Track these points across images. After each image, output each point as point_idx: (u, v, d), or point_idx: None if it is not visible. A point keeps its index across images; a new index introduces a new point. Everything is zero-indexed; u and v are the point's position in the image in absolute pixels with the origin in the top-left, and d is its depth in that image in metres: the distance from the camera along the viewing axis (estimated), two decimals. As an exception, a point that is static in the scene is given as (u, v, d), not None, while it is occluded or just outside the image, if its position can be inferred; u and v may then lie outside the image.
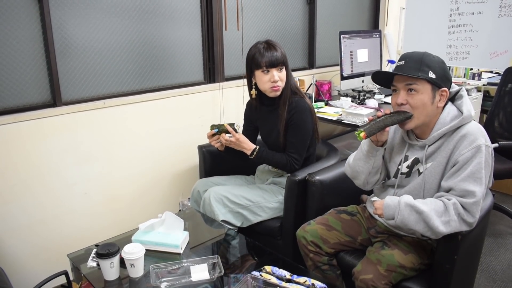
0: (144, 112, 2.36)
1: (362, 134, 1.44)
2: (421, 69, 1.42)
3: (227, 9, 2.64)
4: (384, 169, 1.66)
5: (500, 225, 2.82)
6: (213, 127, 1.97)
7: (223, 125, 1.93)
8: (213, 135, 1.96)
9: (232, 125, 1.93)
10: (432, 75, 1.42)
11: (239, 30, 2.75)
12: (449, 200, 1.40)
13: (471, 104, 1.49)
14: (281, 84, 1.96)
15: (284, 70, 1.95)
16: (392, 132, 1.66)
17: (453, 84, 1.53)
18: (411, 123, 1.47)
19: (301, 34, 3.30)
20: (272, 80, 1.92)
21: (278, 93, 1.97)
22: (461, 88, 1.54)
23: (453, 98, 1.54)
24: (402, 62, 1.47)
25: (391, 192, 1.63)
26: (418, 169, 1.54)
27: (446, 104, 1.50)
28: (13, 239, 1.98)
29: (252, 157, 1.96)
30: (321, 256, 1.69)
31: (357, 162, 1.63)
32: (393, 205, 1.44)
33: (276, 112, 2.00)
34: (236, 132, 1.92)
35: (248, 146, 1.96)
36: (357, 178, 1.67)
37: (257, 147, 1.97)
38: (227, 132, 1.92)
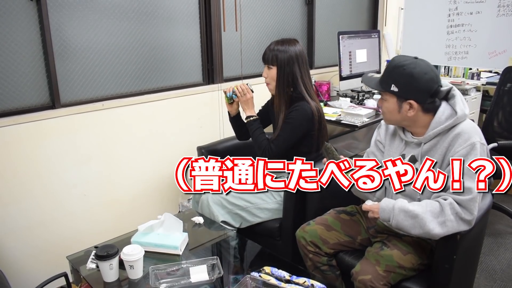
0: (143, 114, 2.36)
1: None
2: (386, 82, 1.50)
3: (226, 10, 2.64)
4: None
5: (500, 225, 2.82)
6: (230, 99, 2.03)
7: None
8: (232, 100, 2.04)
9: (246, 85, 2.02)
10: (394, 88, 1.47)
11: (238, 31, 2.76)
12: (445, 200, 1.40)
13: (464, 103, 1.51)
14: (269, 82, 1.99)
15: (273, 70, 1.96)
16: (390, 133, 1.67)
17: (444, 82, 1.54)
18: (386, 121, 1.61)
19: (300, 34, 3.30)
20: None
21: (270, 89, 2.02)
22: (452, 87, 1.54)
23: (446, 97, 1.54)
24: (384, 70, 1.54)
25: (388, 189, 1.64)
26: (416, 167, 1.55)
27: (440, 103, 1.51)
28: (12, 241, 1.98)
29: (246, 120, 2.03)
30: (320, 256, 1.69)
31: None
32: (388, 210, 1.46)
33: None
34: (252, 91, 2.01)
35: (251, 109, 2.02)
36: None
37: (257, 117, 2.02)
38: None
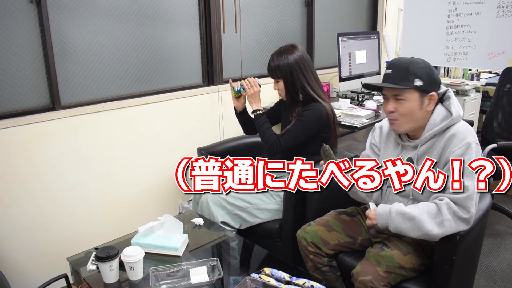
0: (143, 115, 2.37)
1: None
2: (407, 79, 1.45)
3: (225, 12, 2.65)
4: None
5: (500, 226, 2.82)
6: (237, 92, 2.04)
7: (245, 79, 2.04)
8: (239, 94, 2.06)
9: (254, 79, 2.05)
10: (419, 82, 1.45)
11: (237, 32, 2.76)
12: (441, 200, 1.41)
13: (459, 104, 1.53)
14: (281, 93, 2.02)
15: (281, 83, 1.98)
16: (385, 136, 1.68)
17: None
18: (401, 127, 1.52)
19: (299, 36, 3.31)
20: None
21: (283, 98, 2.05)
22: (448, 89, 1.56)
23: (441, 98, 1.56)
24: (389, 71, 1.50)
25: (385, 192, 1.65)
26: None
27: (436, 105, 1.52)
28: (13, 242, 1.98)
29: (253, 114, 2.04)
30: (321, 257, 1.69)
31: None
32: (385, 214, 1.47)
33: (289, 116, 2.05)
34: (260, 86, 2.03)
35: (258, 103, 2.03)
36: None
37: (264, 111, 2.02)
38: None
